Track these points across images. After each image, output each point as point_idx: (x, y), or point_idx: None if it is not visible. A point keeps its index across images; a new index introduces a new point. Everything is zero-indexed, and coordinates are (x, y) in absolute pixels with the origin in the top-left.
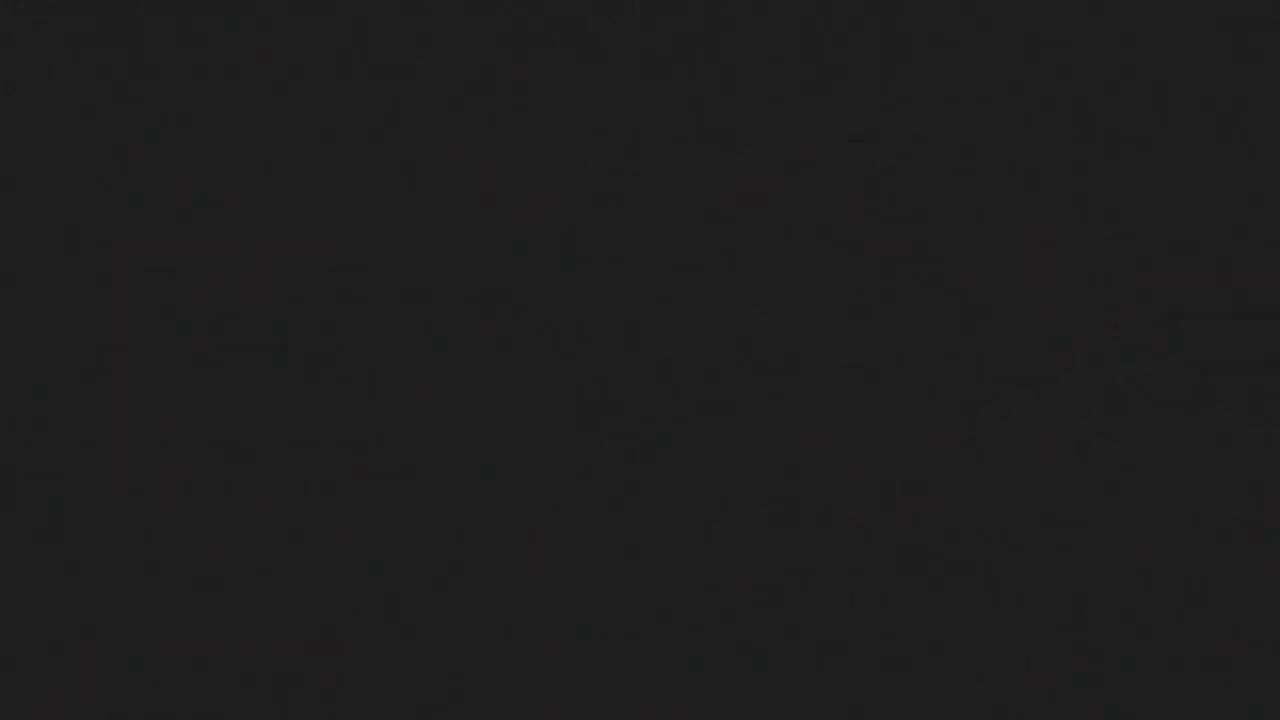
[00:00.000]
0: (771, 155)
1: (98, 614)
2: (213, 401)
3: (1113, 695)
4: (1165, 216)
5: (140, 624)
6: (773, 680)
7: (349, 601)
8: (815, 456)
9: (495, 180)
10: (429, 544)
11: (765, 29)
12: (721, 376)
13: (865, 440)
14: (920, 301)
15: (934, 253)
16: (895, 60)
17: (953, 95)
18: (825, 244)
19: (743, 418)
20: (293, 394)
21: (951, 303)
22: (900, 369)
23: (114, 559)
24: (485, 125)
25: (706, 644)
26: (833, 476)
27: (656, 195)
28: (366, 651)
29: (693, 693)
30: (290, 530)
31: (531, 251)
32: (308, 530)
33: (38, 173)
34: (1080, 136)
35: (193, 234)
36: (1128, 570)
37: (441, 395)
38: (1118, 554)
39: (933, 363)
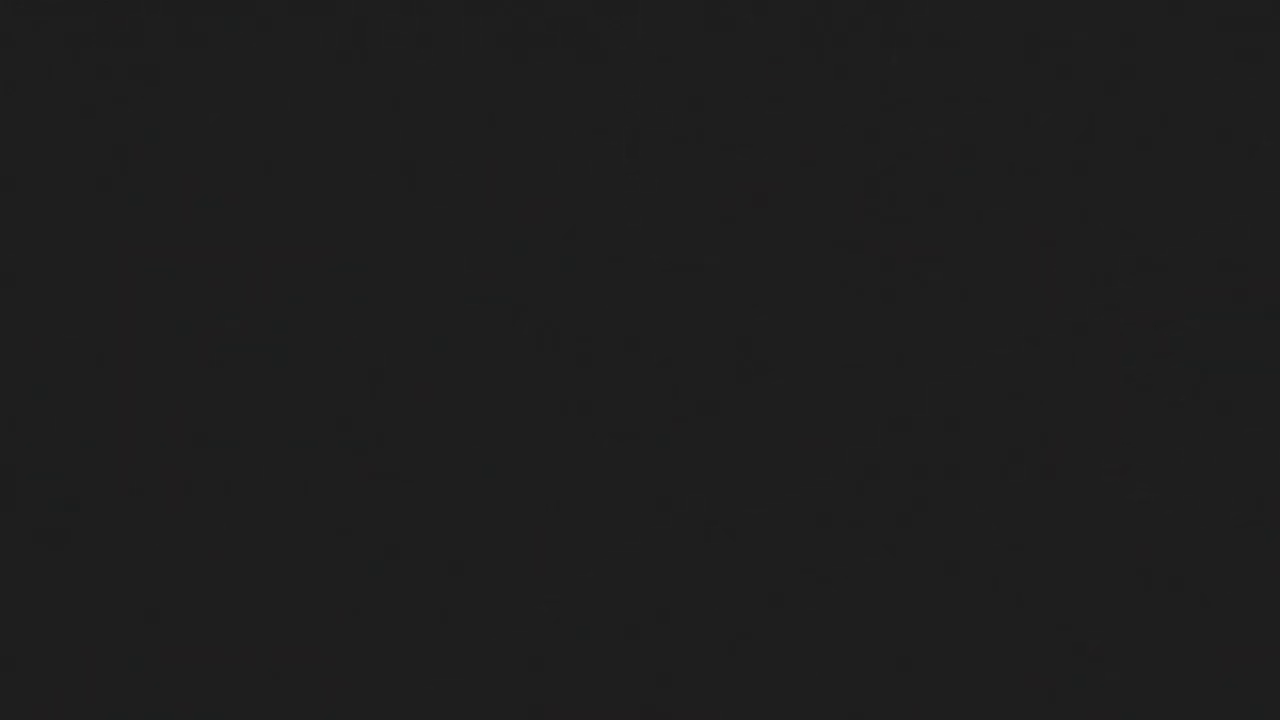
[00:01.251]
0: (772, 155)
1: (98, 614)
2: (213, 402)
3: (1112, 696)
4: (1165, 217)
5: (140, 624)
6: (773, 680)
7: (349, 601)
8: (816, 456)
9: (495, 180)
10: (429, 544)
11: (765, 28)
12: (722, 376)
13: (865, 440)
14: (921, 301)
15: (934, 253)
16: (895, 58)
17: (952, 95)
18: (826, 244)
19: (743, 418)
20: (293, 394)
21: (952, 303)
22: (900, 369)
23: (113, 559)
24: (485, 125)
25: (707, 644)
26: (833, 476)
27: (657, 195)
28: (367, 651)
29: (694, 692)
30: (290, 530)
31: (531, 251)
32: (307, 530)
33: (38, 173)
34: (1080, 136)
35: (193, 234)
36: (1128, 570)
37: (441, 395)
38: (1118, 554)
39: (933, 363)
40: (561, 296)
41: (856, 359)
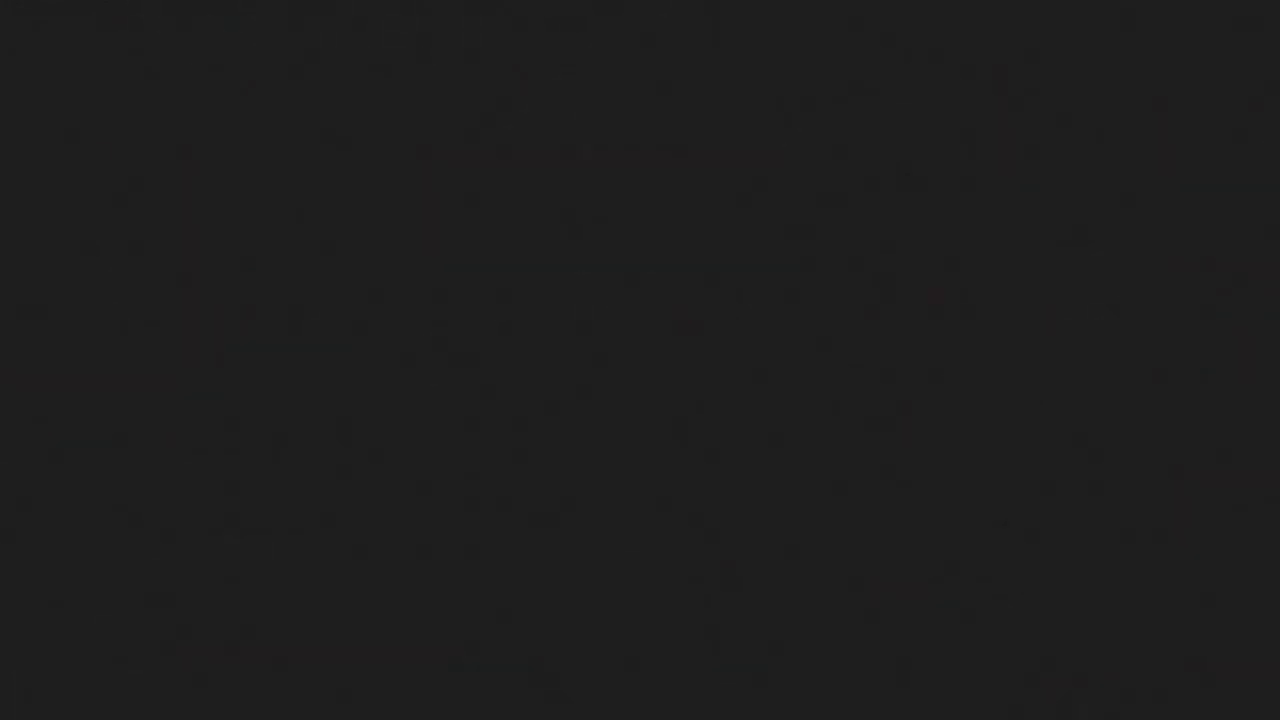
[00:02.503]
0: (772, 154)
1: (98, 613)
2: (212, 400)
3: (1113, 696)
4: (1165, 216)
5: (140, 623)
6: (773, 679)
7: (348, 601)
8: (816, 456)
9: (495, 180)
10: (429, 544)
11: (764, 29)
12: (722, 376)
13: (865, 439)
14: (920, 300)
15: (933, 253)
16: (894, 60)
17: (952, 95)
18: (825, 243)
19: (743, 417)
20: (293, 393)
21: (952, 302)
22: (901, 368)
23: (114, 558)
24: (485, 125)
25: (706, 644)
26: (832, 476)
27: (657, 195)
28: (365, 651)
29: (692, 692)
30: (290, 530)
31: (532, 251)
32: (308, 529)
33: (38, 172)
34: (1079, 136)
35: (192, 234)
36: (1129, 570)
37: (441, 395)
38: (1118, 553)
39: (933, 362)
40: (561, 296)
41: (857, 359)
